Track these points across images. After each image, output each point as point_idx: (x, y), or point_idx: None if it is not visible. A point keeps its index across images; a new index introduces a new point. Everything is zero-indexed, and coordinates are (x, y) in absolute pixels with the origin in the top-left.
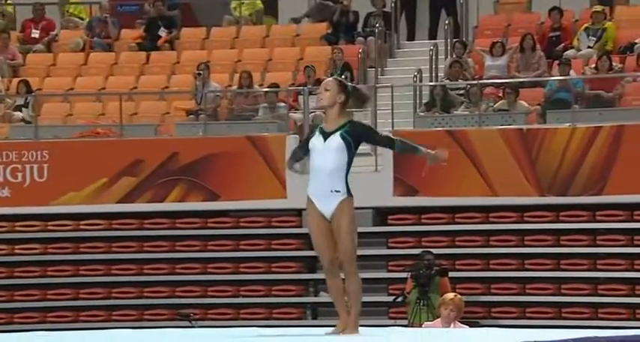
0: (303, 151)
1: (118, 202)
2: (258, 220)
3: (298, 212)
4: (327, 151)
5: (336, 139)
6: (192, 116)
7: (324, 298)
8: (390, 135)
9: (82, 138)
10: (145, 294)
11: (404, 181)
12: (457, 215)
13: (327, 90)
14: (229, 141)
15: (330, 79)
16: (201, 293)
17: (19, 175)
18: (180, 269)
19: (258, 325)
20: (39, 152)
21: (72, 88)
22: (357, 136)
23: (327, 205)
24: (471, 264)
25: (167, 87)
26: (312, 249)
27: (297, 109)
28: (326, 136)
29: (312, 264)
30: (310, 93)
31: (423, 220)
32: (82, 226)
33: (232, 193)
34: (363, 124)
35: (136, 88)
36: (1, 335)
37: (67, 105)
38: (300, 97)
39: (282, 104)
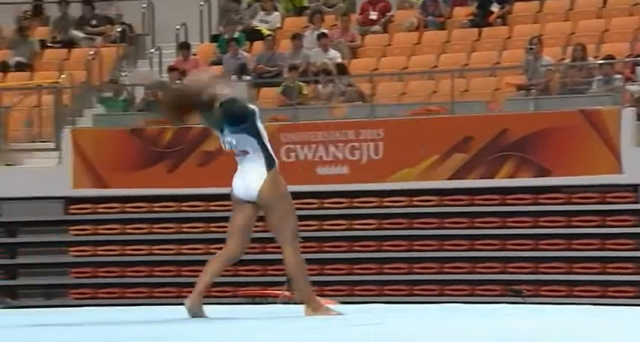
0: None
1: (448, 179)
2: (591, 196)
3: (634, 188)
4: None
5: None
6: (522, 91)
7: None
8: None
9: (415, 116)
10: (477, 270)
11: None
12: None
13: None
14: (561, 115)
15: None
16: (533, 270)
17: (357, 152)
18: (512, 245)
19: (592, 303)
20: (375, 130)
21: (406, 68)
22: None
23: None
24: None
25: (498, 63)
26: None
27: (634, 81)
28: None
29: None
30: None
31: None
32: (414, 202)
33: (564, 169)
34: None
35: (467, 64)
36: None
37: (401, 84)
38: (638, 68)
39: (618, 76)
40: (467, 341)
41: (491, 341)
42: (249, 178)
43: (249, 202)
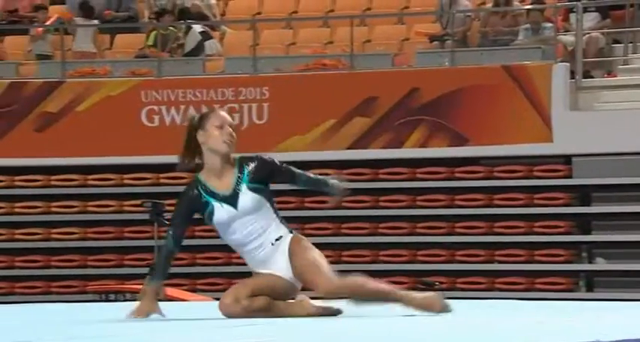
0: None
1: (348, 148)
2: (516, 170)
3: (567, 159)
4: (246, 216)
5: (248, 197)
6: (436, 43)
7: (598, 265)
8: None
9: (306, 71)
10: (380, 258)
11: None
12: None
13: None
14: (482, 72)
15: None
16: (447, 258)
17: (236, 116)
18: (422, 229)
19: (517, 298)
20: (258, 89)
21: (295, 12)
22: (264, 178)
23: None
24: None
25: (407, 7)
26: (583, 205)
27: (567, 31)
28: (230, 200)
29: (586, 223)
30: (585, 10)
31: None
32: None
33: (485, 137)
34: (260, 159)
35: (369, 9)
36: None
37: (289, 32)
38: (572, 16)
39: (549, 25)
40: None
41: None
42: None
43: None
